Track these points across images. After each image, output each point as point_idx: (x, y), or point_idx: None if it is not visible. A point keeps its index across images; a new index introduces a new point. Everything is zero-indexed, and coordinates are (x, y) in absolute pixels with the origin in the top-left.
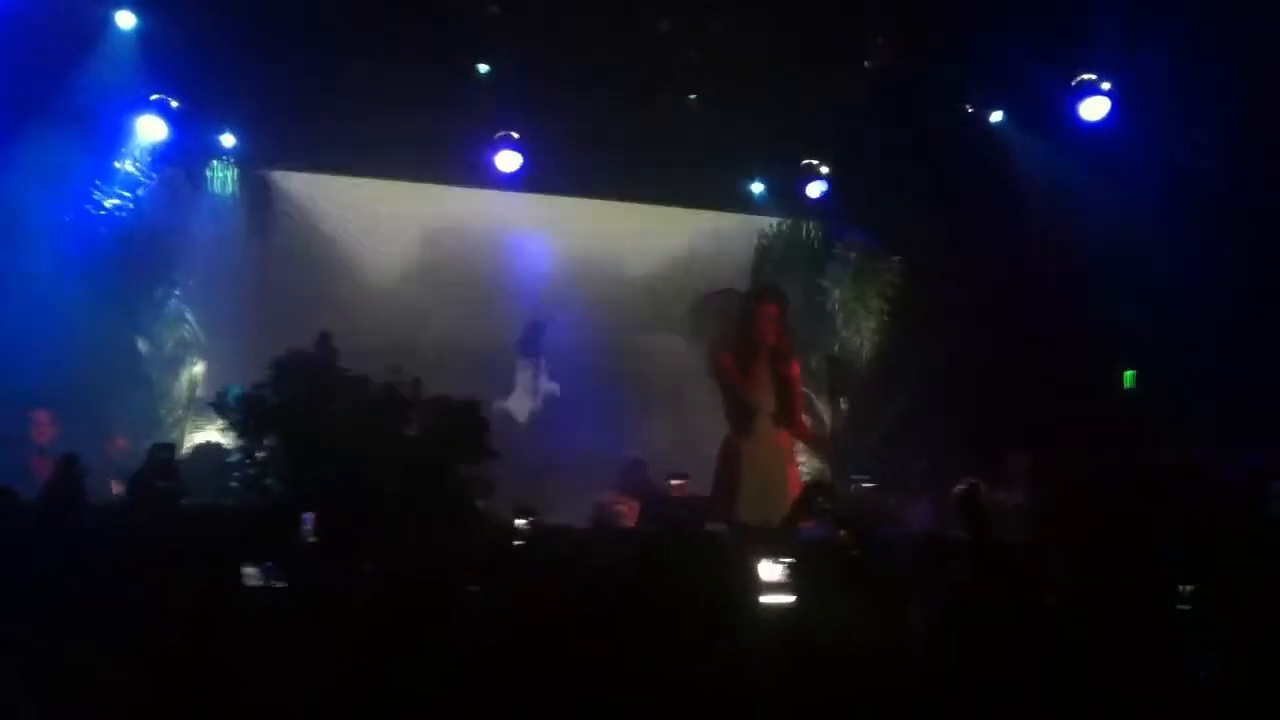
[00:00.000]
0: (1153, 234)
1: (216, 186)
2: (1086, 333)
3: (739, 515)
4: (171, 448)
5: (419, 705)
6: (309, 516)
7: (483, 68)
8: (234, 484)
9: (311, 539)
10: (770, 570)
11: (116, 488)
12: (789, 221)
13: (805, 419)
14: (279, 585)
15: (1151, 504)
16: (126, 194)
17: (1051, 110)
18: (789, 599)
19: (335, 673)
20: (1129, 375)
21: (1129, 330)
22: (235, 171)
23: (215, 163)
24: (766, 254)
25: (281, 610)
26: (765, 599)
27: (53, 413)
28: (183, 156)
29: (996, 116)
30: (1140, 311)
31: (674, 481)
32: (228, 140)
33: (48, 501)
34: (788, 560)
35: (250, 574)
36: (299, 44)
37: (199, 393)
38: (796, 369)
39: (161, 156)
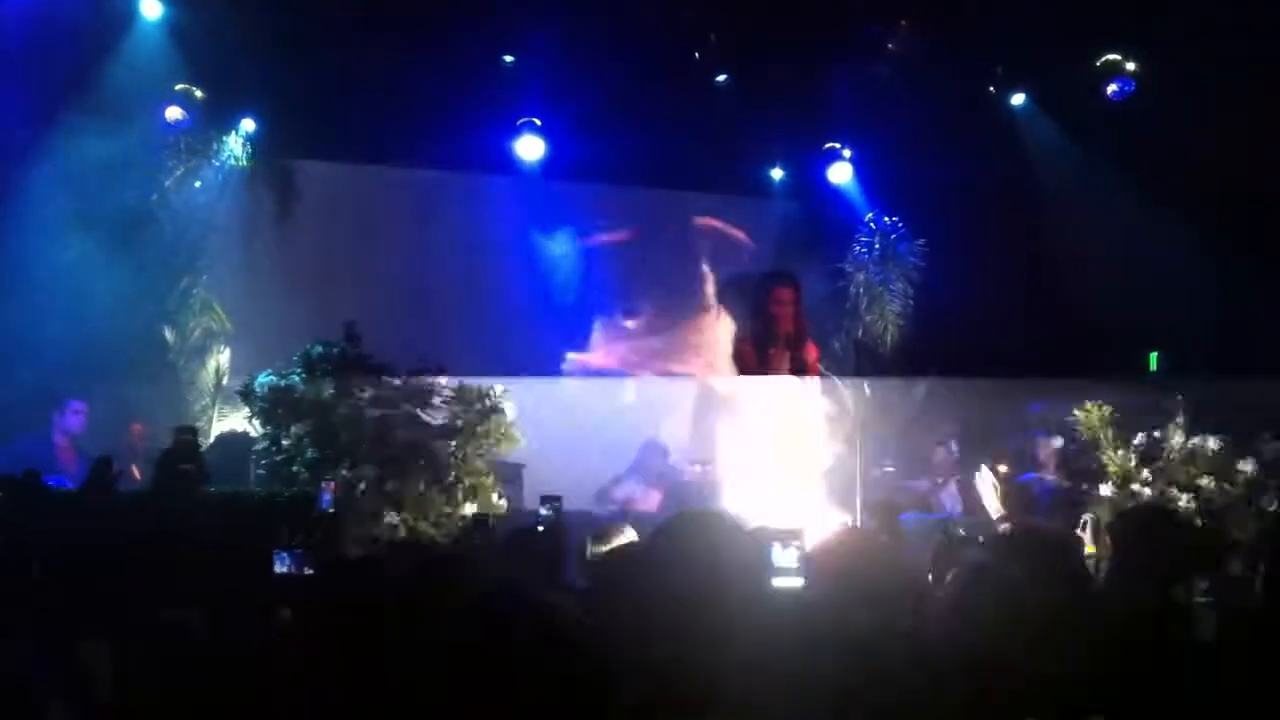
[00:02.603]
0: (1176, 216)
1: (234, 178)
2: (1111, 316)
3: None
4: (194, 430)
5: (442, 681)
6: (328, 485)
7: (507, 58)
8: (260, 471)
9: (331, 509)
10: (781, 554)
11: (138, 474)
12: (811, 205)
13: (827, 402)
14: (308, 572)
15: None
16: (152, 184)
17: (1075, 92)
18: (799, 582)
19: (359, 660)
20: (1153, 357)
21: (1153, 313)
22: (251, 166)
23: (236, 161)
24: (789, 239)
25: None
26: (777, 582)
27: (86, 404)
28: (208, 146)
29: (1019, 99)
30: (1164, 294)
31: (695, 467)
32: (253, 130)
33: (80, 499)
34: (798, 544)
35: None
36: (323, 34)
37: (225, 381)
38: (814, 353)
39: (187, 146)
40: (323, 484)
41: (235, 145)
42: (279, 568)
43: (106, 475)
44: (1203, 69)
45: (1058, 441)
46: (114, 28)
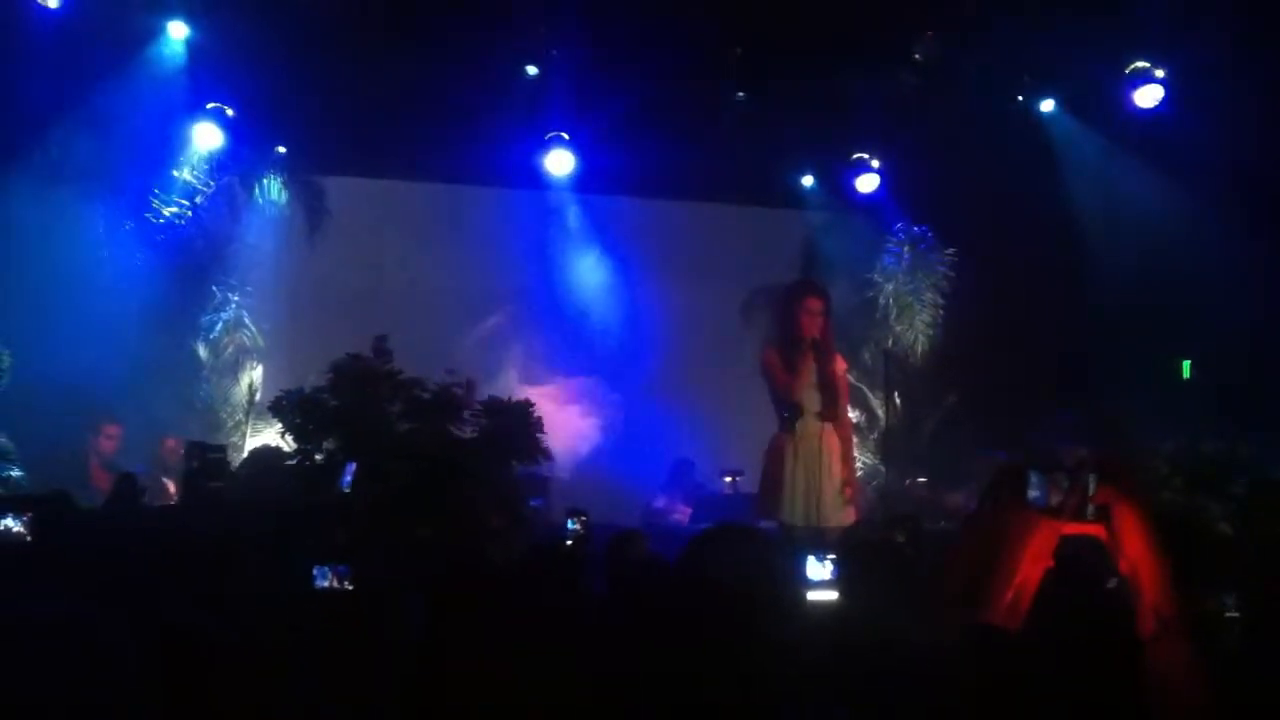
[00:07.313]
0: (1207, 224)
1: (265, 196)
2: (1141, 324)
3: (784, 513)
4: (224, 449)
5: (480, 695)
6: (351, 466)
7: (531, 70)
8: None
9: (348, 491)
10: (817, 567)
11: (171, 488)
12: (840, 216)
13: (856, 413)
14: (349, 588)
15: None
16: (185, 202)
17: (1104, 99)
18: (834, 595)
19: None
20: (1186, 365)
21: (1184, 321)
22: (280, 184)
23: (266, 179)
24: (817, 249)
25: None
26: (812, 595)
27: (122, 427)
28: (239, 164)
29: (1048, 106)
30: (1194, 301)
31: (727, 479)
32: (282, 148)
33: (106, 513)
34: (833, 557)
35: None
36: (350, 51)
37: (258, 397)
38: (842, 365)
39: (218, 165)
40: (347, 464)
41: (266, 163)
42: (320, 583)
43: (130, 491)
44: (1237, 71)
45: (1085, 451)
46: (141, 48)
